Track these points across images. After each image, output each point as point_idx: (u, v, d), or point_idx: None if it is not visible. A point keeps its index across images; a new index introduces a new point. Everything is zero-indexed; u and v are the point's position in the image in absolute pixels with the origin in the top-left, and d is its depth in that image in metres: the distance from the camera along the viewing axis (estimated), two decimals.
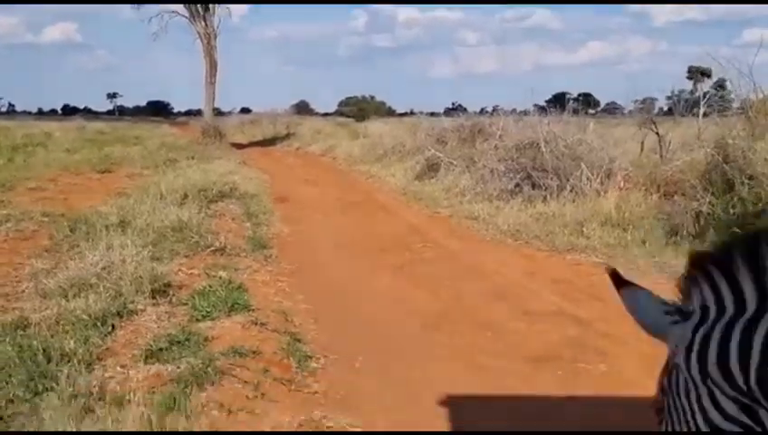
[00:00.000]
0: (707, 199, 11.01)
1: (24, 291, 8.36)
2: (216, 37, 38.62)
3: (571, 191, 15.38)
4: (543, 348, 7.41)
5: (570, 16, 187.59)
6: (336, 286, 9.88)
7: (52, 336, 6.36)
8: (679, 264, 8.19)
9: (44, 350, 5.94)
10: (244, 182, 18.59)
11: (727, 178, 10.80)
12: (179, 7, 38.54)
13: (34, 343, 6.06)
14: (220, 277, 8.92)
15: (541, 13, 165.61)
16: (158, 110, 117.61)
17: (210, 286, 8.38)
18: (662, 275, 10.00)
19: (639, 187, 14.48)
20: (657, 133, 15.56)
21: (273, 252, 11.50)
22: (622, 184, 14.92)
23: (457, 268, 10.95)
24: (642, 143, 16.61)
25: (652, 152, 16.91)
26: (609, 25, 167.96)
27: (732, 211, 10.37)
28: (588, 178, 15.49)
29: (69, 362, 5.81)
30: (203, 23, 38.26)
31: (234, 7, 39.75)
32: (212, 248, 10.49)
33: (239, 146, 38.52)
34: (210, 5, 38.46)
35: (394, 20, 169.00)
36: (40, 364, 5.70)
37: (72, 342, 6.22)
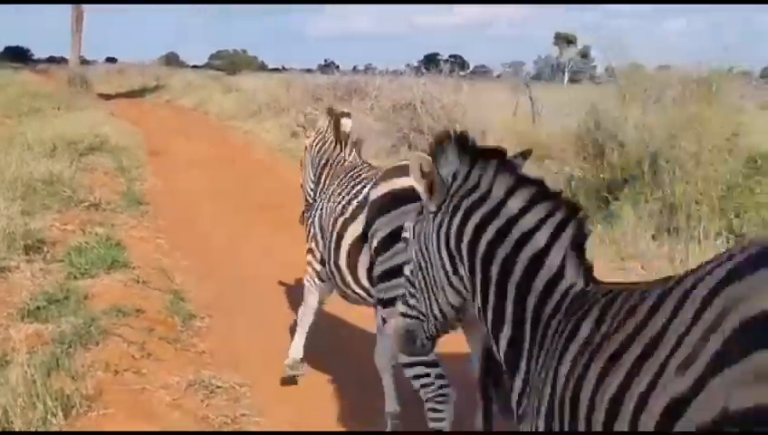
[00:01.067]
0: (578, 164, 11.38)
1: None
2: None
3: None
4: None
5: None
6: (215, 243, 9.79)
7: None
8: None
9: None
10: (115, 135, 18.01)
11: (598, 144, 11.16)
12: None
13: None
14: (96, 234, 8.68)
15: None
16: (17, 55, 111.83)
17: (87, 243, 8.13)
18: None
19: (512, 150, 14.85)
20: (531, 98, 15.97)
21: (148, 208, 11.29)
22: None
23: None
24: (516, 106, 17.01)
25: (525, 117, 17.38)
26: None
27: (601, 176, 10.75)
28: None
29: None
30: None
31: None
32: (86, 204, 10.18)
33: (106, 97, 37.20)
34: None
35: None
36: None
37: None
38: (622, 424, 1.91)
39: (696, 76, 10.86)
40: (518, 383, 2.48)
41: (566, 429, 2.14)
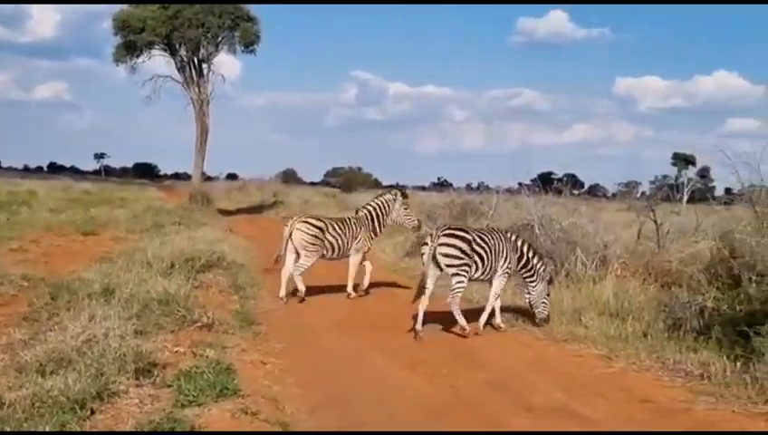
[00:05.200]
0: (712, 294, 10.62)
1: None
2: (208, 103, 38.54)
3: (566, 277, 15.04)
4: None
5: (557, 97, 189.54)
6: (328, 369, 9.43)
7: (26, 420, 5.88)
8: (683, 359, 7.78)
9: None
10: (232, 251, 18.15)
11: (733, 274, 10.44)
12: (173, 72, 38.54)
13: (6, 428, 5.58)
14: (207, 357, 8.46)
15: (528, 93, 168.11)
16: (145, 171, 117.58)
17: (197, 367, 7.87)
18: (665, 371, 9.59)
19: (637, 275, 14.14)
20: (656, 221, 15.32)
21: (261, 328, 11.07)
22: (619, 271, 14.57)
23: (452, 353, 10.56)
24: (639, 230, 16.36)
25: (646, 239, 16.66)
26: (595, 109, 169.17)
27: (739, 308, 9.98)
28: (583, 264, 15.17)
29: None
30: (196, 89, 38.21)
31: (225, 74, 39.50)
32: (199, 324, 10.03)
33: (226, 212, 38.20)
34: (204, 73, 38.53)
35: (384, 93, 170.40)
36: None
37: (47, 427, 5.75)
38: None
39: None
40: None
41: None
